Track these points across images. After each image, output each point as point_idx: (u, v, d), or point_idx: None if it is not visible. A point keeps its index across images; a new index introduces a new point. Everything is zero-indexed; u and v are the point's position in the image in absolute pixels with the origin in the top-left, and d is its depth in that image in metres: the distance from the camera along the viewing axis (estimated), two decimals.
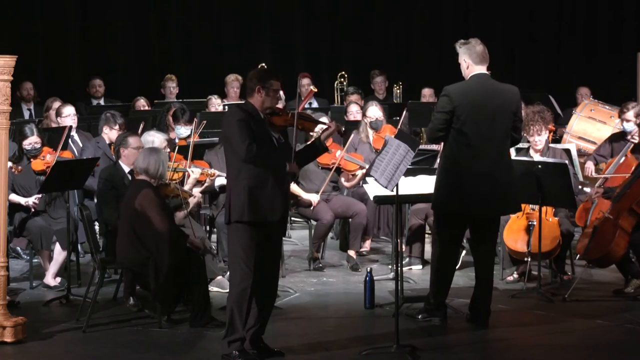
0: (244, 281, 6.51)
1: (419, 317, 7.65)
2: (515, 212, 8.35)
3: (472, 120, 7.27)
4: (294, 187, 9.30)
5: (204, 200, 10.26)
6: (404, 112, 11.77)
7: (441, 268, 7.55)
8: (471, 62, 7.42)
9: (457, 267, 8.45)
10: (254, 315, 6.63)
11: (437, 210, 7.52)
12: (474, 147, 7.28)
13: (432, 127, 7.40)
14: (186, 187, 8.76)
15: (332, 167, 9.73)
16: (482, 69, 7.43)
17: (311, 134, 8.11)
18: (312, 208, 9.57)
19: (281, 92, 12.02)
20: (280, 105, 7.13)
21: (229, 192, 6.60)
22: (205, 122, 10.25)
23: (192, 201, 8.52)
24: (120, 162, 8.49)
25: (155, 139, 8.69)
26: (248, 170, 6.49)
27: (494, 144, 7.34)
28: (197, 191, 8.98)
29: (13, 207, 8.81)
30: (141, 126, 10.29)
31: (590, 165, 9.88)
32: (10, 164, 8.54)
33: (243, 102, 6.89)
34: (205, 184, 9.14)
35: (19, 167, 8.83)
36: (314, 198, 9.58)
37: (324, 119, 8.74)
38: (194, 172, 8.99)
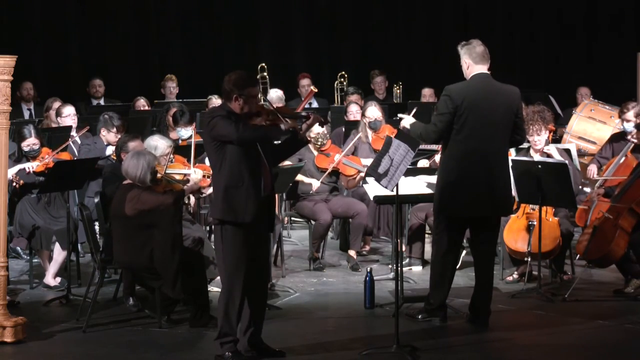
0: (232, 282, 6.48)
1: (419, 317, 7.64)
2: (515, 213, 8.34)
3: (472, 119, 7.27)
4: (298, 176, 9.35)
5: (204, 200, 10.23)
6: (414, 110, 11.26)
7: (441, 269, 7.54)
8: (471, 62, 7.43)
9: (457, 267, 8.44)
10: (248, 316, 6.61)
11: (438, 211, 7.52)
12: (473, 147, 7.28)
13: (434, 129, 7.35)
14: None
15: (329, 170, 9.73)
16: (482, 69, 7.43)
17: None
18: (311, 192, 9.64)
19: (281, 92, 12.06)
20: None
21: (214, 194, 6.60)
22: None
23: (192, 180, 8.13)
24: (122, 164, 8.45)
25: (158, 144, 8.48)
26: (226, 169, 6.43)
27: (494, 143, 7.34)
28: (209, 192, 8.89)
29: (13, 205, 8.82)
30: None
31: (593, 169, 9.85)
32: (11, 176, 8.56)
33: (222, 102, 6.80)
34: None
35: (21, 181, 8.85)
36: (315, 183, 9.63)
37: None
38: (196, 173, 8.45)
